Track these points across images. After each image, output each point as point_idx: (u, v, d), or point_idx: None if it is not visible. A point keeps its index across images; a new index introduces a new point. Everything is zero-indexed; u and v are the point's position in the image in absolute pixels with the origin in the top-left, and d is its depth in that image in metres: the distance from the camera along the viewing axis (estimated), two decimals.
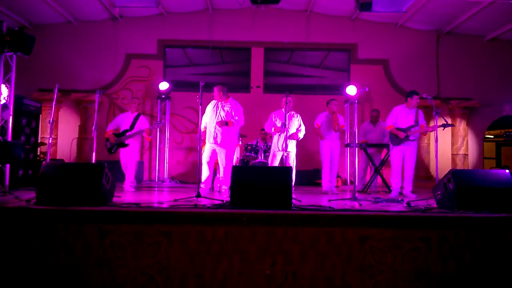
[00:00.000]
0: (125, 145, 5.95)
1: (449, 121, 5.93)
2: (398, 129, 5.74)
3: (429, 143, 8.42)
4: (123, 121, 6.14)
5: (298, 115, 6.15)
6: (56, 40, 8.65)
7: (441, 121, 5.18)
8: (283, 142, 5.65)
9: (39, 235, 3.31)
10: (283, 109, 5.78)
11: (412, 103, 5.79)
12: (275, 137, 6.04)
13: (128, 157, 6.01)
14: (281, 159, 5.99)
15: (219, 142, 5.41)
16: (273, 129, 6.01)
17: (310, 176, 8.05)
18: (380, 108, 7.38)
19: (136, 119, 6.08)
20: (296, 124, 6.07)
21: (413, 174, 5.75)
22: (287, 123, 5.53)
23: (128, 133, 5.96)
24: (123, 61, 8.84)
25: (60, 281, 3.26)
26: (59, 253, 3.29)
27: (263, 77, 8.95)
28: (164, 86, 8.36)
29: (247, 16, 8.85)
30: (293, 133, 5.97)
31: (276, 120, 6.06)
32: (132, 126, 6.02)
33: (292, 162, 5.98)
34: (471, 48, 8.79)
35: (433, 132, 5.18)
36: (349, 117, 8.63)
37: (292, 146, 5.98)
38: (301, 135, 6.06)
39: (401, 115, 5.82)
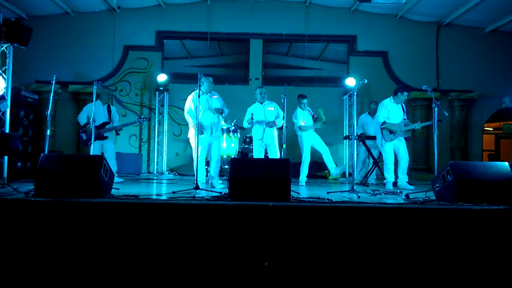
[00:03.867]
0: (105, 138, 5.95)
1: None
2: (392, 124, 5.76)
3: (429, 135, 8.41)
4: (97, 112, 5.98)
5: (276, 105, 6.10)
6: (54, 31, 8.57)
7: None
8: (263, 133, 5.83)
9: (37, 227, 3.31)
10: (258, 102, 5.97)
11: (401, 98, 5.87)
12: (254, 130, 6.01)
13: (111, 149, 6.05)
14: (265, 150, 6.06)
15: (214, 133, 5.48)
16: (247, 122, 5.94)
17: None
18: (379, 100, 7.34)
19: (109, 110, 6.12)
20: (274, 113, 6.03)
21: (407, 165, 5.78)
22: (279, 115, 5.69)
23: (107, 126, 5.99)
24: (121, 53, 8.77)
25: (58, 273, 3.27)
26: (58, 245, 3.29)
27: (262, 69, 8.90)
28: (162, 78, 8.32)
29: (246, 8, 8.78)
30: (271, 121, 5.91)
31: (252, 114, 5.98)
32: (110, 118, 6.07)
33: (277, 152, 5.97)
34: (471, 40, 8.74)
35: (432, 124, 5.19)
36: (348, 109, 8.63)
37: (272, 136, 5.95)
38: (279, 122, 5.96)
39: (392, 110, 5.86)
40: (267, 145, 6.00)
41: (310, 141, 6.34)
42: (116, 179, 5.98)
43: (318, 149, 6.39)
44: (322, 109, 6.35)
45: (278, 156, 5.90)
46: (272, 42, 9.08)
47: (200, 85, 4.96)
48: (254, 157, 6.00)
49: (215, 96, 5.56)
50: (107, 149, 6.04)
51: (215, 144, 5.51)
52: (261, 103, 6.00)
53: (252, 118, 5.86)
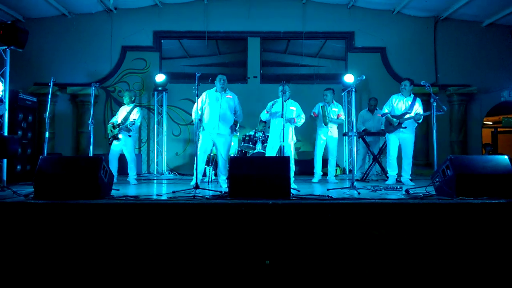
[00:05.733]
0: (118, 139, 5.96)
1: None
2: (392, 116, 5.76)
3: (428, 130, 8.41)
4: (120, 114, 6.20)
5: (297, 104, 5.95)
6: (51, 33, 8.56)
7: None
8: (282, 133, 5.57)
9: (37, 229, 3.31)
10: (280, 98, 5.65)
11: (404, 89, 5.85)
12: (273, 127, 5.82)
13: (126, 152, 6.03)
14: (279, 149, 5.91)
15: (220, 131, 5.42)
16: (267, 114, 5.71)
17: (311, 165, 7.96)
18: (377, 96, 7.35)
19: (130, 112, 6.08)
20: (294, 113, 5.88)
21: (411, 162, 5.74)
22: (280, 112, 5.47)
23: (120, 127, 5.99)
24: (119, 54, 8.77)
25: (59, 275, 3.27)
26: (58, 247, 3.29)
27: (260, 67, 8.89)
28: (160, 78, 8.31)
29: (243, 6, 8.77)
30: (291, 118, 5.64)
31: (271, 108, 5.74)
32: (125, 119, 6.03)
33: (292, 152, 5.85)
34: (468, 34, 8.73)
35: (431, 119, 5.18)
36: (347, 105, 8.62)
37: (291, 136, 5.80)
38: (299, 121, 5.74)
39: (397, 103, 5.84)
40: (282, 144, 5.73)
41: (324, 139, 6.33)
42: (134, 181, 6.03)
43: (327, 151, 6.39)
44: (329, 109, 6.28)
45: (292, 156, 5.79)
46: (270, 40, 9.06)
47: (198, 84, 4.98)
48: (266, 154, 5.94)
49: (229, 96, 5.52)
50: (124, 151, 6.05)
51: (219, 142, 5.44)
52: (285, 101, 5.77)
53: (271, 108, 5.60)
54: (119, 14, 8.73)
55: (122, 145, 6.02)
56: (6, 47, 5.14)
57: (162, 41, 8.97)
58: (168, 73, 8.57)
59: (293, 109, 5.77)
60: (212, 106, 5.43)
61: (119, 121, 6.09)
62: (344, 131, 8.36)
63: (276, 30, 8.84)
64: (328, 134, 6.31)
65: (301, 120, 5.79)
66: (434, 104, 5.03)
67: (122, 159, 6.17)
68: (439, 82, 8.65)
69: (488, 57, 8.65)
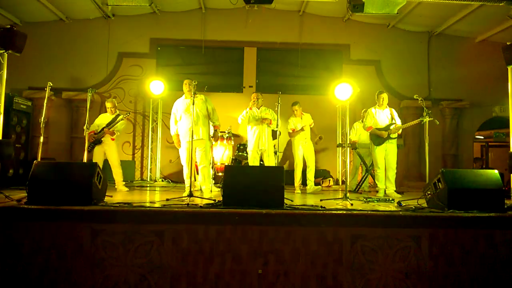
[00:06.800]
0: (100, 143, 5.92)
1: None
2: (378, 129, 5.85)
3: (420, 143, 8.49)
4: (104, 120, 6.13)
5: (271, 110, 6.08)
6: (48, 38, 8.55)
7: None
8: (258, 137, 5.78)
9: (30, 235, 3.29)
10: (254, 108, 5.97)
11: (381, 103, 5.95)
12: (250, 135, 5.99)
13: (111, 157, 6.01)
14: (260, 157, 6.04)
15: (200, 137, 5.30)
16: (246, 117, 5.96)
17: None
18: None
19: (115, 118, 6.06)
20: (270, 117, 6.02)
21: (395, 173, 5.83)
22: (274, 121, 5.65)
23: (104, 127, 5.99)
24: (115, 60, 8.79)
25: (50, 282, 3.24)
26: (50, 254, 3.27)
27: (256, 77, 8.96)
28: (156, 85, 8.33)
29: (240, 16, 8.85)
30: (268, 118, 5.94)
31: (247, 114, 5.98)
32: (109, 124, 6.02)
33: (273, 160, 5.93)
34: (461, 50, 8.87)
35: (424, 132, 5.28)
36: (341, 117, 8.69)
37: (270, 143, 5.94)
38: (274, 123, 5.82)
39: (378, 116, 5.94)
40: (262, 150, 5.94)
41: (301, 150, 6.36)
42: (124, 188, 5.98)
43: (305, 159, 6.42)
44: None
45: (274, 164, 5.87)
46: (266, 50, 9.15)
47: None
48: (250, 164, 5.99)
49: (200, 99, 5.26)
50: (108, 156, 6.01)
51: (197, 150, 5.28)
52: (258, 108, 5.99)
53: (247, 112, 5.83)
54: (117, 20, 8.76)
55: (105, 150, 5.97)
56: (4, 51, 5.14)
57: (159, 48, 9.01)
58: (164, 80, 8.58)
59: (267, 114, 5.99)
60: (186, 113, 5.22)
61: (99, 129, 6.02)
62: (337, 143, 8.42)
63: (272, 40, 8.93)
64: (306, 145, 6.37)
65: (278, 123, 5.72)
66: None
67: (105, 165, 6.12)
68: (432, 96, 8.77)
69: (481, 72, 8.77)
